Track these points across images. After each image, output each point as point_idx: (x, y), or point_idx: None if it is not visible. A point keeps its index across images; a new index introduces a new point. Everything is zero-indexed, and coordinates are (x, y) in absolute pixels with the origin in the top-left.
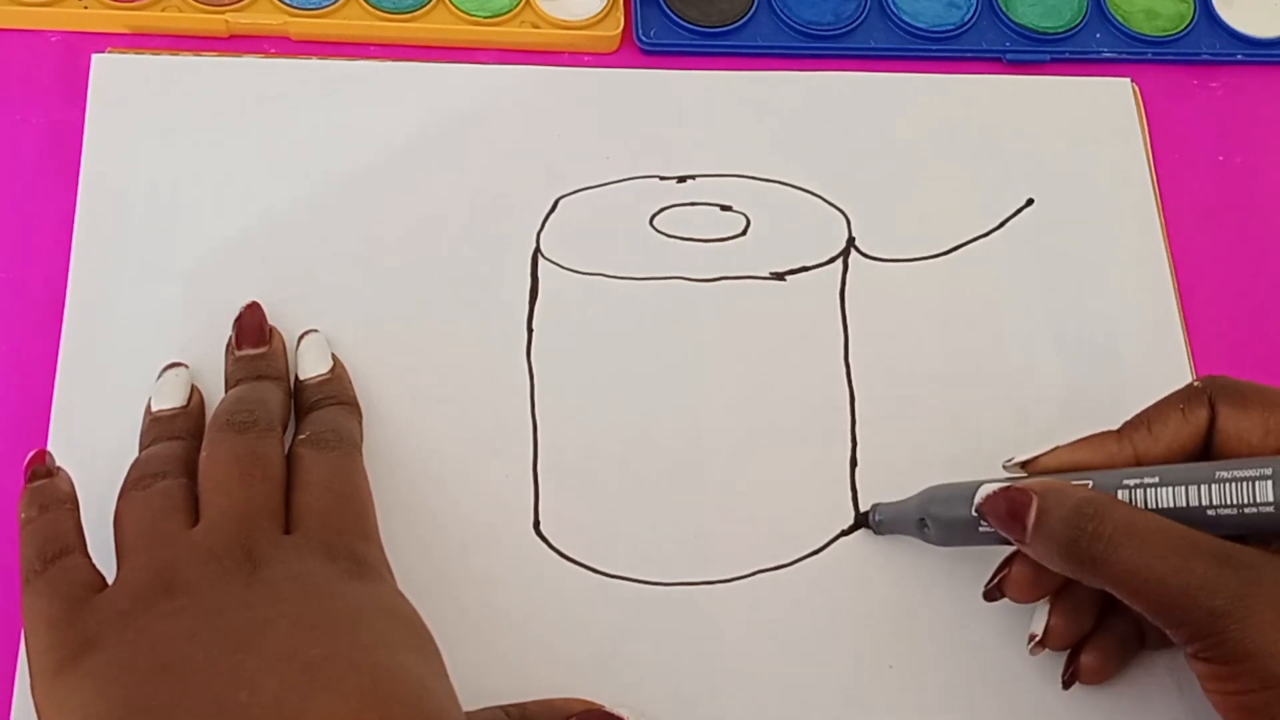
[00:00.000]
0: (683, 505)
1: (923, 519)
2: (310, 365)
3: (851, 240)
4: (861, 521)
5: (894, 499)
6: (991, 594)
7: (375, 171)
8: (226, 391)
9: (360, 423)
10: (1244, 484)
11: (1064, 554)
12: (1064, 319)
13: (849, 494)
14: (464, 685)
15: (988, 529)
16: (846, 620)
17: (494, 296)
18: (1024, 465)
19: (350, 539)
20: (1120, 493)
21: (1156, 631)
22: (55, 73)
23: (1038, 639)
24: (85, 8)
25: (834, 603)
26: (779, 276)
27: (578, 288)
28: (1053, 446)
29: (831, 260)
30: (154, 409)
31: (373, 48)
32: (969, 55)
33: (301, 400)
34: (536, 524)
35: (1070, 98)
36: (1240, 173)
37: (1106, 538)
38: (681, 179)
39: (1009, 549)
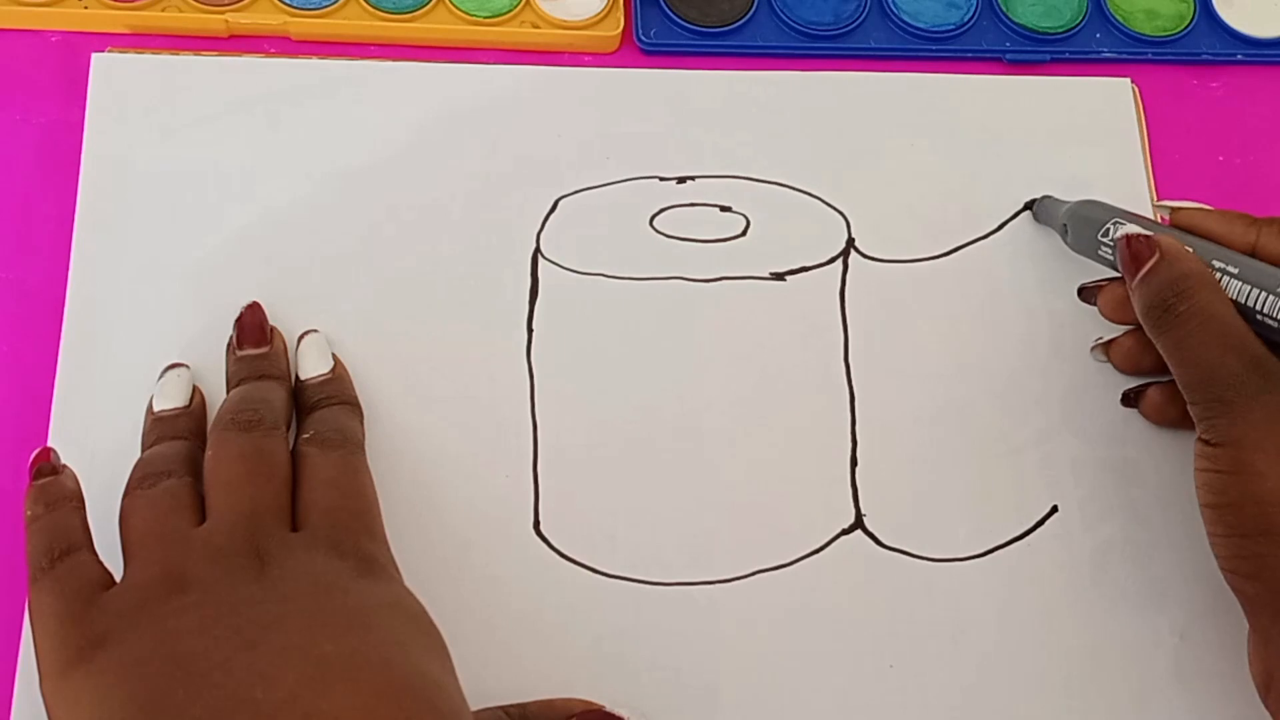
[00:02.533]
0: (683, 505)
1: (1065, 224)
2: (311, 365)
3: (851, 241)
4: (1030, 206)
5: (1056, 198)
6: (1085, 294)
7: (375, 171)
8: (228, 391)
9: (362, 422)
10: None
11: (1147, 307)
12: (1064, 319)
13: (849, 493)
14: (465, 685)
15: (1105, 255)
16: (846, 620)
17: (494, 296)
18: (1171, 210)
19: (357, 536)
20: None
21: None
22: (55, 73)
23: (1103, 343)
24: (85, 8)
25: (834, 602)
26: (779, 277)
27: (578, 288)
28: (1196, 205)
29: (831, 261)
30: (156, 409)
31: (373, 48)
32: (969, 55)
33: (303, 400)
34: (536, 524)
35: (1070, 98)
36: (1240, 173)
37: (1182, 311)
38: (681, 179)
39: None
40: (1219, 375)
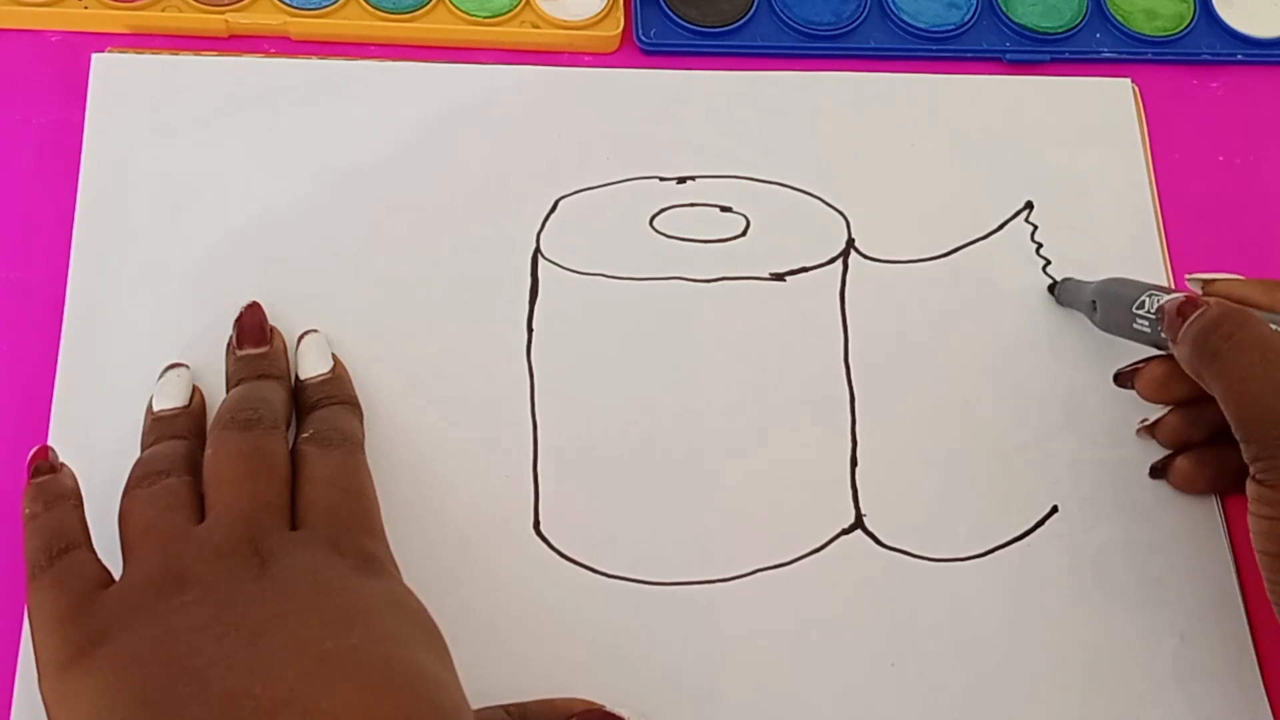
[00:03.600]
0: (683, 505)
1: (1094, 301)
2: (311, 365)
3: (851, 241)
4: (1052, 289)
5: (1078, 279)
6: (1121, 380)
7: (375, 171)
8: (228, 391)
9: (361, 422)
10: None
11: (1197, 347)
12: (1064, 319)
13: (849, 493)
14: (465, 685)
15: (1140, 328)
16: (847, 619)
17: (494, 296)
18: (1204, 283)
19: (357, 535)
20: None
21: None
22: (55, 73)
23: (1149, 423)
24: (85, 8)
25: (834, 601)
26: (779, 277)
27: (578, 288)
28: (1229, 276)
29: (831, 261)
30: (156, 409)
31: (373, 48)
32: (969, 55)
33: (303, 400)
34: (536, 524)
35: (1070, 98)
36: (1240, 173)
37: (1235, 340)
38: (681, 179)
39: (1150, 355)
40: (1276, 410)
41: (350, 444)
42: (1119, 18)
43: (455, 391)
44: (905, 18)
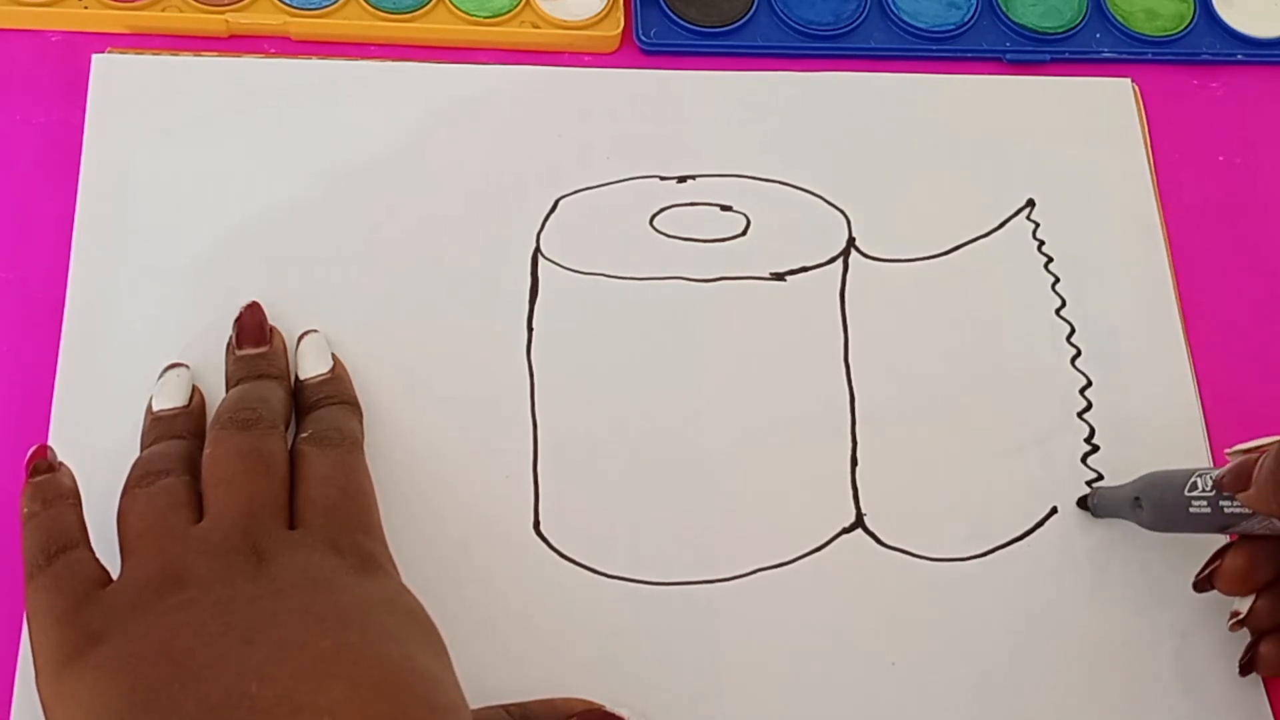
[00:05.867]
0: (683, 505)
1: (1137, 498)
2: (310, 365)
3: (851, 240)
4: (1081, 505)
5: (1110, 485)
6: (1201, 585)
7: (375, 171)
8: (228, 391)
9: (361, 422)
10: None
11: (1276, 489)
12: (1064, 318)
13: (849, 492)
14: (465, 684)
15: (1199, 510)
16: (847, 618)
17: (494, 296)
18: (1243, 453)
19: (355, 534)
20: None
21: None
22: (55, 73)
23: (1240, 617)
24: (85, 8)
25: (834, 601)
26: (779, 277)
27: (578, 288)
28: (1271, 440)
29: (831, 260)
30: (155, 409)
31: (373, 48)
32: (969, 55)
33: (302, 400)
34: (536, 524)
35: (1070, 98)
36: (1240, 173)
37: None
38: (682, 179)
39: (1211, 537)
40: None
41: (349, 444)
42: (1119, 18)
43: (455, 391)
44: (905, 18)
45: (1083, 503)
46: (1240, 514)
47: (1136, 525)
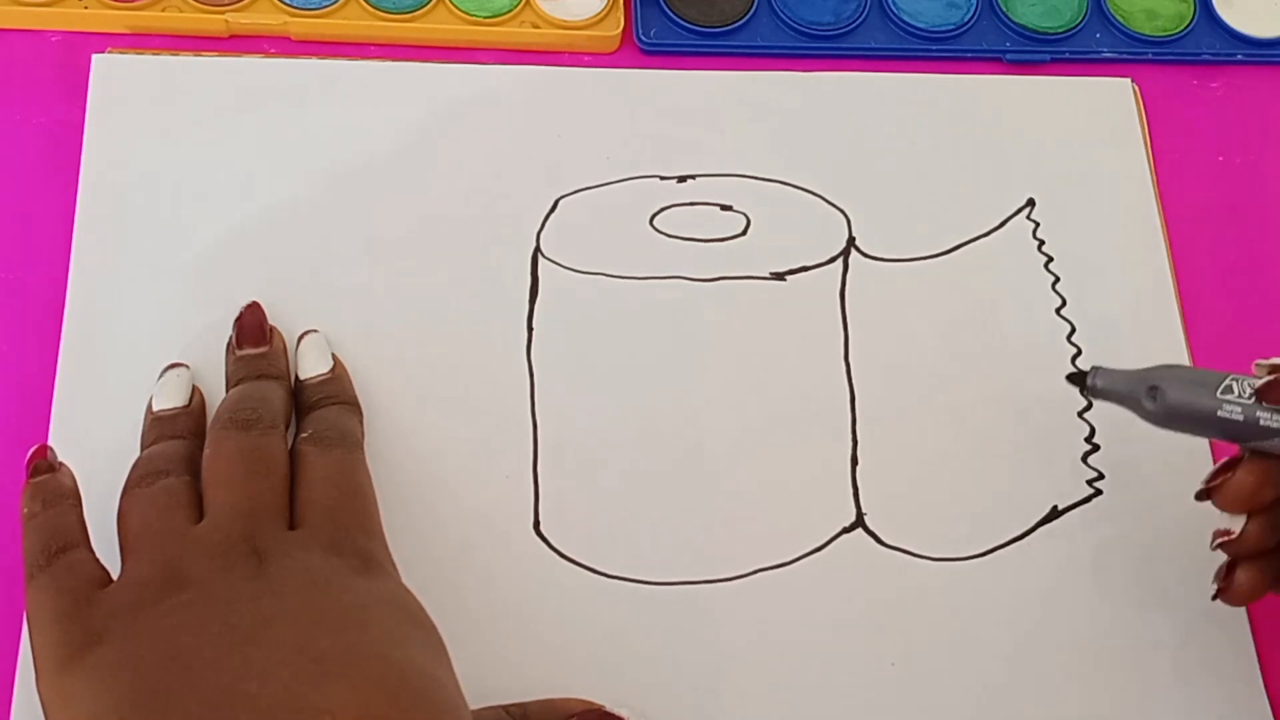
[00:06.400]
0: (683, 504)
1: (1154, 386)
2: (310, 365)
3: (851, 240)
4: (1075, 381)
5: (1118, 368)
6: (1201, 495)
7: (375, 171)
8: (228, 391)
9: (361, 422)
10: None
11: None
12: (1064, 319)
13: (849, 492)
14: (465, 684)
15: (1229, 415)
16: (847, 618)
17: (494, 296)
18: (1271, 368)
19: (355, 534)
20: None
21: None
22: (55, 73)
23: (1230, 538)
24: (85, 8)
25: (835, 601)
26: (779, 276)
27: (578, 287)
28: None
29: (831, 260)
30: (156, 409)
31: (373, 48)
32: (969, 55)
33: (302, 400)
34: (536, 524)
35: (1070, 98)
36: (1240, 173)
37: None
38: (682, 179)
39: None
40: None
41: (349, 444)
42: (1119, 18)
43: (455, 391)
44: (905, 18)
45: (1074, 379)
46: (1273, 429)
47: (1136, 416)
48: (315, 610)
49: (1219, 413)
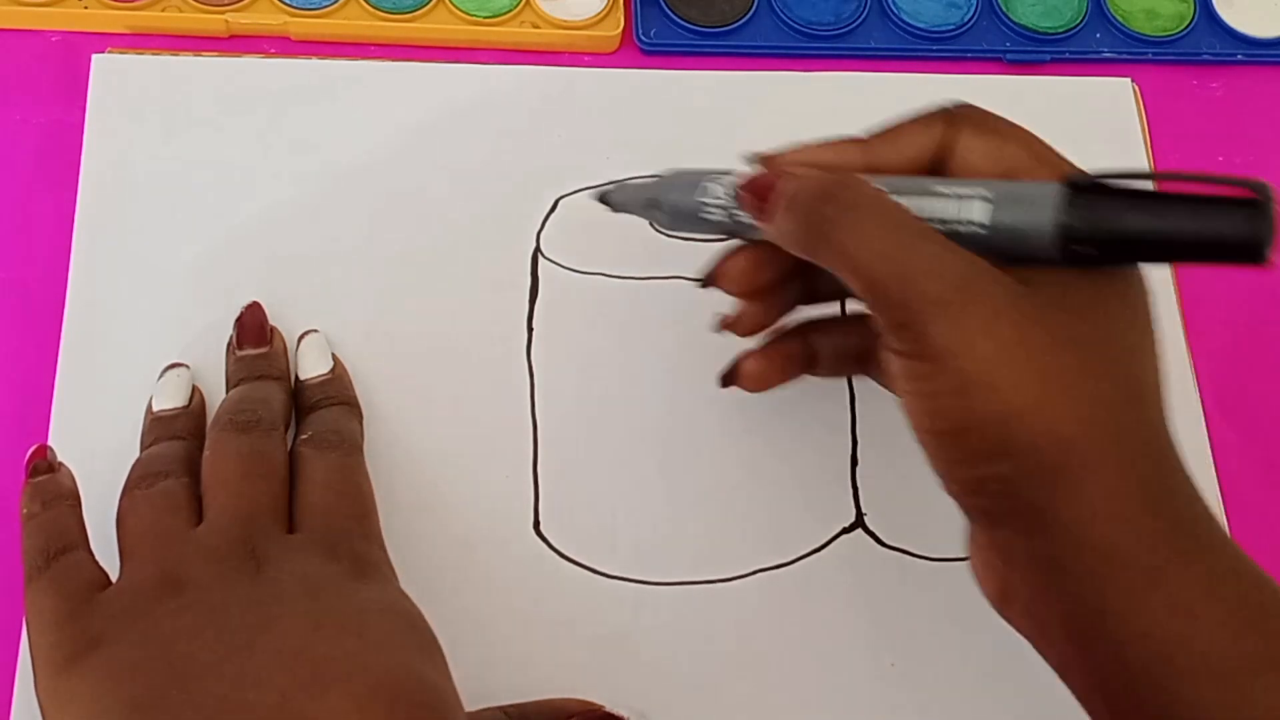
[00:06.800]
0: (683, 505)
1: (652, 200)
2: (311, 365)
3: None
4: (602, 200)
5: (631, 182)
6: (707, 282)
7: (375, 171)
8: (228, 391)
9: (361, 423)
10: (958, 201)
11: (804, 220)
12: None
13: (849, 492)
14: (464, 685)
15: (711, 215)
16: (847, 618)
17: (494, 296)
18: (765, 159)
19: (353, 539)
20: None
21: (828, 356)
22: (55, 73)
23: (729, 319)
24: (85, 8)
25: (834, 601)
26: None
27: (578, 287)
28: (792, 145)
29: None
30: (155, 409)
31: (373, 48)
32: (969, 55)
33: (302, 400)
34: (536, 524)
35: (1070, 98)
36: (1240, 173)
37: (849, 204)
38: None
39: (722, 243)
40: (916, 267)
41: (348, 446)
42: (1119, 18)
43: (455, 391)
44: (905, 18)
45: (603, 199)
46: (749, 224)
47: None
48: (312, 616)
49: (702, 214)
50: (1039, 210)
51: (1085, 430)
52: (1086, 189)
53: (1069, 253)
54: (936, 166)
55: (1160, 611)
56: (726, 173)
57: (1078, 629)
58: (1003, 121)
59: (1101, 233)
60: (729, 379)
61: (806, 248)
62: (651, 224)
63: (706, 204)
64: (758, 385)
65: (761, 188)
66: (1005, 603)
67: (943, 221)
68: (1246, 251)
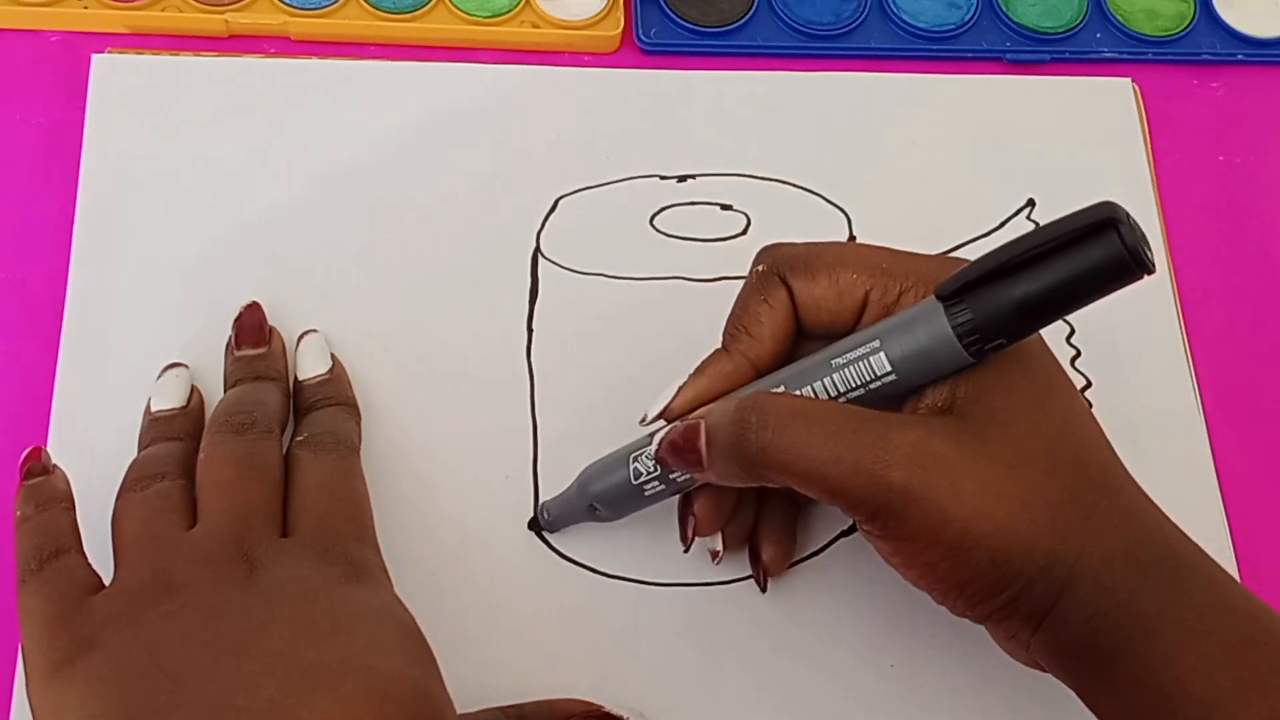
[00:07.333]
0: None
1: (592, 505)
2: (309, 365)
3: (852, 239)
4: (533, 527)
5: (554, 499)
6: (688, 540)
7: (375, 171)
8: (226, 392)
9: (359, 424)
10: (860, 363)
11: (737, 458)
12: (1063, 319)
13: None
14: (463, 685)
15: (653, 490)
16: (846, 620)
17: (494, 296)
18: (660, 417)
19: (346, 543)
20: None
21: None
22: (55, 73)
23: (721, 553)
24: (85, 8)
25: (834, 602)
26: None
27: (578, 288)
28: (674, 391)
29: None
30: (153, 409)
31: (373, 48)
32: (969, 55)
33: (300, 401)
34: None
35: (1070, 98)
36: (1240, 173)
37: (772, 426)
38: (682, 178)
39: (675, 498)
40: (866, 460)
41: (344, 448)
42: (1119, 18)
43: (455, 391)
44: (905, 18)
45: (533, 525)
46: (685, 479)
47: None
48: (304, 620)
49: (646, 493)
50: (932, 327)
51: (1067, 535)
52: (958, 290)
53: (980, 353)
54: (802, 328)
55: (1158, 661)
56: (643, 445)
57: (1089, 677)
58: (819, 253)
59: (1001, 316)
60: (765, 579)
61: (752, 478)
62: (595, 514)
63: (644, 483)
64: (780, 567)
65: (679, 448)
66: (1024, 657)
67: (862, 386)
68: (1134, 264)
